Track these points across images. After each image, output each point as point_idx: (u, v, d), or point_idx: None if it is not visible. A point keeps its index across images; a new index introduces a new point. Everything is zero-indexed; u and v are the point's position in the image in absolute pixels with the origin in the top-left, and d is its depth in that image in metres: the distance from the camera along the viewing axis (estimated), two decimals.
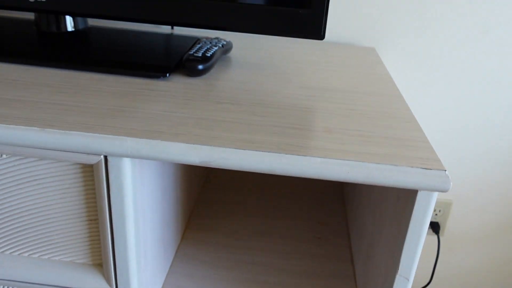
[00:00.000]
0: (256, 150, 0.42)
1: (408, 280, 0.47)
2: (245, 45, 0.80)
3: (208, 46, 0.66)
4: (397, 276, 0.47)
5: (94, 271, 0.53)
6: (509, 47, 0.85)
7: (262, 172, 0.43)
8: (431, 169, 0.41)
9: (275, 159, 0.42)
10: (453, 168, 0.97)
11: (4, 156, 0.48)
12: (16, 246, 0.53)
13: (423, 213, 0.43)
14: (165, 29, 0.88)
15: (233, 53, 0.75)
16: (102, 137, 0.43)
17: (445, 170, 0.41)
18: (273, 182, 0.92)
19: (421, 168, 0.41)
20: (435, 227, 1.01)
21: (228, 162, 0.42)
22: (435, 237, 1.03)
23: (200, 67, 0.60)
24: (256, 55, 0.74)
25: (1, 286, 0.55)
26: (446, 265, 1.07)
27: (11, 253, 0.54)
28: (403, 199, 0.47)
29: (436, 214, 1.01)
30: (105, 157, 0.45)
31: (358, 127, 0.49)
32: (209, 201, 0.84)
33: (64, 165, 0.47)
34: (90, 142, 0.43)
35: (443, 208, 1.00)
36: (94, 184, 0.48)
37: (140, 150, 0.43)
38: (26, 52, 0.62)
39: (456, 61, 0.87)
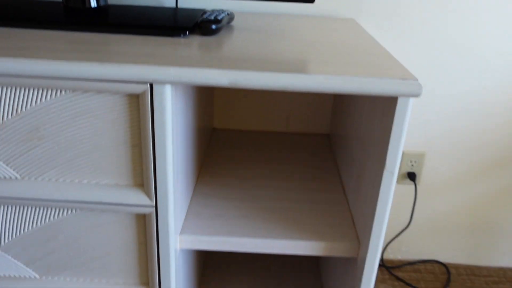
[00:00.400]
0: (273, 72, 0.54)
1: (393, 174, 0.60)
2: (244, 19, 0.93)
3: (217, 13, 0.77)
4: (385, 171, 0.60)
5: (137, 190, 0.63)
6: (474, 17, 0.99)
7: (278, 89, 0.55)
8: (407, 79, 0.54)
9: (287, 78, 0.54)
10: (424, 123, 1.11)
11: (63, 92, 0.58)
12: (69, 173, 0.63)
13: (402, 117, 0.56)
14: (169, 4, 0.99)
15: (235, 23, 0.87)
16: (149, 67, 0.54)
17: (417, 80, 0.54)
18: (270, 140, 1.04)
19: (399, 79, 0.54)
20: (411, 176, 1.15)
21: (251, 82, 0.54)
22: (412, 185, 1.17)
23: (214, 26, 0.72)
24: (254, 24, 0.86)
25: (59, 208, 0.65)
26: (423, 210, 1.21)
27: (64, 180, 0.64)
28: (386, 110, 0.59)
29: (412, 165, 1.15)
30: (151, 86, 0.56)
31: (347, 60, 0.62)
32: (216, 156, 0.95)
33: (114, 97, 0.58)
34: (140, 71, 0.54)
35: (417, 159, 1.14)
36: (139, 113, 0.59)
37: (182, 76, 0.54)
38: (66, 20, 0.72)
39: (427, 31, 1.01)
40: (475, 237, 1.25)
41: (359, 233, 0.71)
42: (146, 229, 0.66)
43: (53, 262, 0.70)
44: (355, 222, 0.74)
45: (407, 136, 1.13)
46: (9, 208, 0.66)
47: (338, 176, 0.90)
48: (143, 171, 0.62)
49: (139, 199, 0.63)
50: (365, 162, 0.70)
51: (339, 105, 0.96)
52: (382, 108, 0.61)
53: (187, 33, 0.71)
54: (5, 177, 0.64)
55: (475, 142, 1.13)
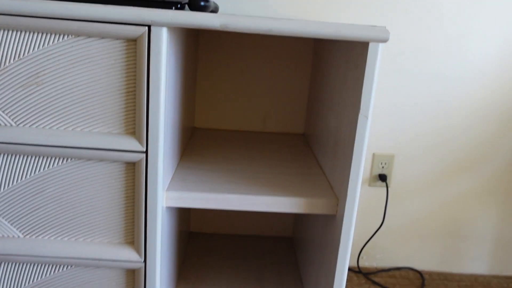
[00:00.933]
0: (261, 17, 0.61)
1: (367, 118, 0.66)
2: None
3: None
4: (360, 116, 0.66)
5: (129, 137, 0.67)
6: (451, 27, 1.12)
7: (263, 32, 0.61)
8: (376, 26, 0.62)
9: (272, 22, 0.61)
10: (394, 126, 1.19)
11: (65, 37, 0.63)
12: (64, 121, 0.66)
13: (373, 61, 0.63)
14: None
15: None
16: (148, 10, 0.60)
17: (385, 27, 0.62)
18: (249, 137, 1.09)
19: (370, 26, 0.62)
20: (383, 178, 1.21)
21: (240, 25, 0.61)
22: (384, 186, 1.23)
23: (202, 3, 0.79)
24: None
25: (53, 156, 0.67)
26: (395, 214, 1.26)
27: (58, 127, 0.67)
28: (359, 61, 0.66)
29: (382, 167, 1.21)
30: (149, 29, 0.62)
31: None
32: (196, 149, 0.99)
33: (114, 43, 0.63)
34: (140, 12, 0.60)
35: (387, 161, 1.21)
36: (136, 59, 0.64)
37: (178, 18, 0.60)
38: None
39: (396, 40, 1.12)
40: (446, 242, 1.30)
41: (336, 192, 0.75)
42: (135, 179, 0.68)
43: (38, 220, 0.71)
44: (333, 185, 0.78)
45: (378, 139, 1.20)
46: (1, 156, 0.68)
47: (315, 159, 0.95)
48: (135, 118, 0.66)
49: (130, 145, 0.66)
50: (341, 121, 0.75)
51: (314, 104, 1.03)
52: (355, 62, 0.69)
53: (179, 6, 0.78)
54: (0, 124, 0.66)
55: (441, 146, 1.22)
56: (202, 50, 1.10)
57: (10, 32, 0.62)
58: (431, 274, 1.30)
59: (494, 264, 1.32)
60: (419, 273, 1.29)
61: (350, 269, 1.28)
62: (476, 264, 1.32)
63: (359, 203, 1.25)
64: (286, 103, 1.14)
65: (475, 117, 1.20)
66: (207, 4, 0.80)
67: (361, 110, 0.65)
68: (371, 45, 0.63)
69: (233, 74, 1.12)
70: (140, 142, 0.66)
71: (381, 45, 0.63)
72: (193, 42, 0.98)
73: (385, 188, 1.23)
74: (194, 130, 1.12)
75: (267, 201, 0.73)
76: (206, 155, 0.92)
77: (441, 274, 1.30)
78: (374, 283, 1.22)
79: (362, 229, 1.27)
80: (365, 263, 1.30)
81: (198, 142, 1.01)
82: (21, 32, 0.62)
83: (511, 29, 1.14)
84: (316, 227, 0.89)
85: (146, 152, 0.67)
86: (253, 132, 1.15)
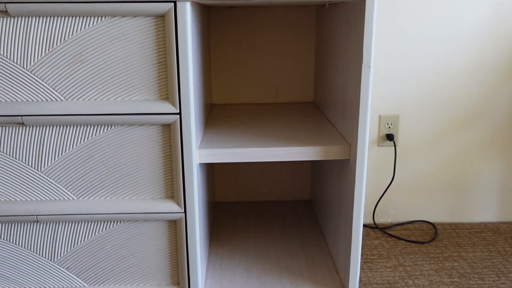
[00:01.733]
0: None
1: (369, 67, 0.75)
2: None
3: None
4: (363, 66, 0.75)
5: (164, 102, 0.76)
6: None
7: (267, 4, 0.71)
8: None
9: None
10: (397, 88, 1.28)
11: (103, 18, 0.73)
12: (106, 92, 0.76)
13: (371, 16, 0.72)
14: None
15: None
16: None
17: None
18: (262, 108, 1.19)
19: None
20: (390, 137, 1.30)
21: None
22: (392, 145, 1.32)
23: None
24: None
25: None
26: (405, 171, 1.35)
27: (101, 98, 0.77)
28: (358, 20, 0.75)
29: (389, 127, 1.30)
30: (175, 4, 0.71)
31: None
32: (216, 123, 1.09)
33: (143, 20, 0.73)
34: None
35: (393, 121, 1.30)
36: (164, 32, 0.74)
37: None
38: None
39: (401, 7, 1.21)
40: (454, 195, 1.38)
41: (348, 140, 0.85)
42: (171, 139, 0.78)
43: (89, 182, 0.81)
44: (344, 135, 0.88)
45: (383, 100, 1.29)
46: (54, 128, 0.78)
47: (326, 119, 1.04)
48: (168, 85, 0.76)
49: (165, 108, 0.76)
50: (347, 77, 0.85)
51: (321, 71, 1.13)
52: (355, 22, 0.78)
53: None
54: (51, 99, 0.76)
55: (442, 104, 1.30)
56: (213, 28, 1.20)
57: (56, 18, 0.72)
58: (443, 225, 1.38)
59: (502, 211, 1.41)
60: (432, 224, 1.38)
61: (366, 226, 1.37)
62: (485, 213, 1.41)
63: (370, 162, 1.35)
64: (295, 73, 1.23)
65: (471, 74, 1.28)
66: None
67: (364, 61, 0.75)
68: (368, 2, 0.72)
69: (243, 50, 1.22)
70: (173, 105, 0.76)
71: (376, 1, 0.72)
72: (206, 20, 1.08)
73: (393, 147, 1.32)
74: (213, 106, 1.22)
75: (288, 151, 0.83)
76: (227, 124, 1.02)
77: (452, 224, 1.39)
78: (390, 235, 1.31)
79: (374, 187, 1.37)
80: (380, 219, 1.40)
81: (218, 115, 1.11)
82: (65, 17, 0.72)
83: None
84: (332, 183, 0.99)
85: (180, 114, 0.77)
86: (266, 103, 1.25)
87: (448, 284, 1.06)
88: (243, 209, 1.28)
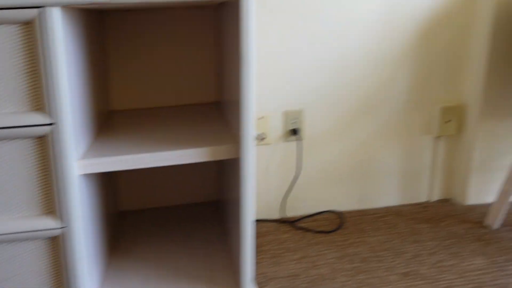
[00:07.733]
0: None
1: (250, 67, 0.76)
2: None
3: None
4: (242, 64, 0.75)
5: (36, 112, 0.72)
6: None
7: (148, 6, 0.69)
8: None
9: None
10: (299, 84, 1.31)
11: None
12: None
13: (247, 17, 0.73)
14: None
15: None
16: None
17: None
18: (165, 112, 1.17)
19: None
20: (295, 132, 1.33)
21: None
22: (298, 140, 1.35)
23: None
24: None
25: None
26: (311, 163, 1.39)
27: None
28: (237, 16, 0.76)
29: (294, 123, 1.34)
30: (44, 9, 0.68)
31: None
32: (113, 125, 1.06)
33: (9, 27, 0.68)
34: None
35: (297, 116, 1.33)
36: (33, 40, 0.69)
37: None
38: None
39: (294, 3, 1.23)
40: (360, 182, 1.45)
41: (237, 140, 0.86)
42: (47, 150, 0.74)
43: None
44: (235, 135, 0.88)
45: (286, 97, 1.32)
46: None
47: (223, 119, 1.05)
48: (40, 95, 0.72)
49: (37, 119, 0.72)
50: (234, 76, 0.85)
51: (220, 70, 1.13)
52: (236, 22, 0.78)
53: None
54: None
55: (343, 96, 1.36)
56: (110, 32, 1.16)
57: None
58: (350, 212, 1.45)
59: (404, 194, 1.50)
60: (339, 213, 1.44)
61: (276, 221, 1.40)
62: (389, 197, 1.49)
63: (278, 157, 1.37)
64: (197, 74, 1.23)
65: (369, 66, 1.35)
66: None
67: (242, 59, 0.75)
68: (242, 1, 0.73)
69: (143, 54, 1.19)
70: (48, 115, 0.72)
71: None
72: (97, 24, 1.04)
73: (299, 141, 1.36)
74: (111, 113, 1.18)
75: (177, 155, 0.82)
76: (122, 130, 0.99)
77: (360, 211, 1.45)
78: (298, 228, 1.35)
79: (283, 181, 1.40)
80: (290, 213, 1.43)
81: (115, 122, 1.08)
82: None
83: None
84: (229, 182, 0.99)
85: (54, 124, 0.73)
86: (168, 107, 1.23)
87: (349, 269, 1.11)
88: (149, 217, 1.26)
